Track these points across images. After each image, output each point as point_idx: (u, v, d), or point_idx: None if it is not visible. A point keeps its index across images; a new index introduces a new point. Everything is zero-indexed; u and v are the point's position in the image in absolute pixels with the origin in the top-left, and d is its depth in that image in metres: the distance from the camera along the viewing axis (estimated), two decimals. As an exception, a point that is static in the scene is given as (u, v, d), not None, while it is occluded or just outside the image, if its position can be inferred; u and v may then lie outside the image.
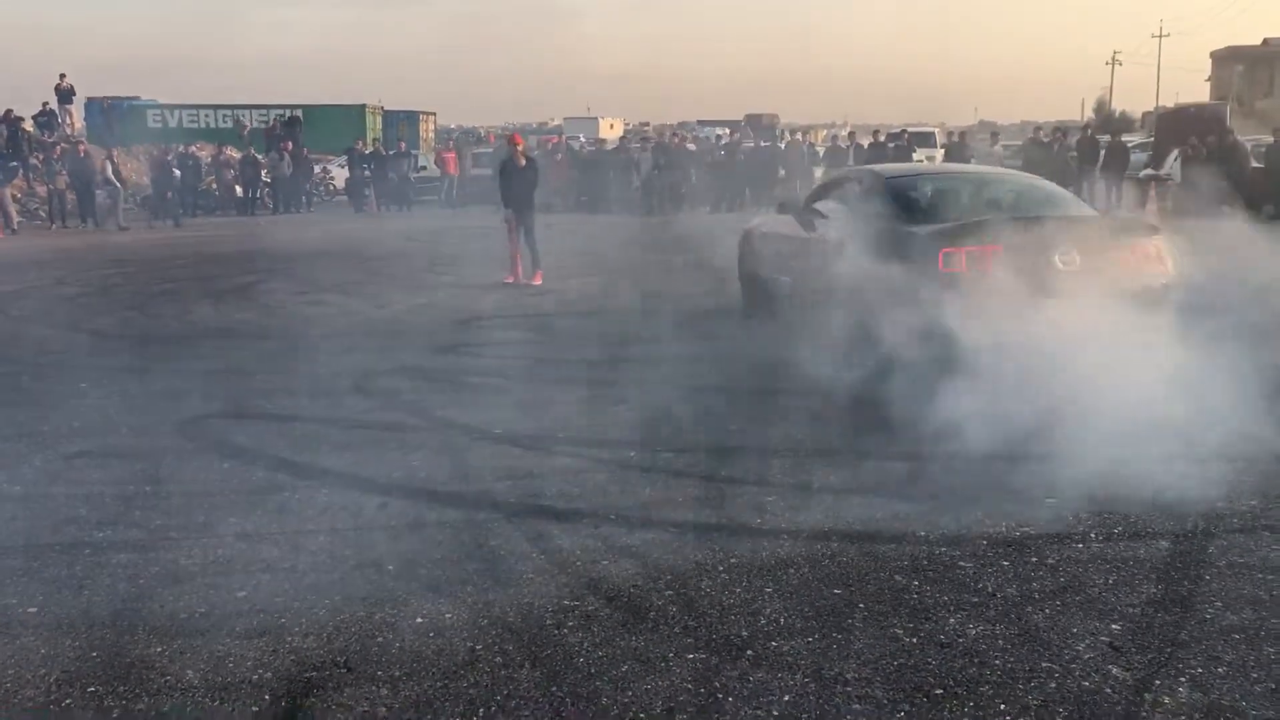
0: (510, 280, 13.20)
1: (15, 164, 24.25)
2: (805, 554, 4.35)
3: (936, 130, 33.94)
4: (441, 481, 5.37)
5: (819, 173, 26.21)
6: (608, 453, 5.84)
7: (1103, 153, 23.09)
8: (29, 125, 29.23)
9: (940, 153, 31.69)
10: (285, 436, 6.26)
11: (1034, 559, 4.28)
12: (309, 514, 4.94)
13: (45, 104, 31.05)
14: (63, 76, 32.25)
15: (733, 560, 4.31)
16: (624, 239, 17.76)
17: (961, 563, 4.25)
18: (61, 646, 3.65)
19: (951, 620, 3.75)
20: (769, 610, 3.85)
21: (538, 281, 13.05)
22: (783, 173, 26.52)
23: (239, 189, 27.69)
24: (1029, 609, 3.83)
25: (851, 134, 29.35)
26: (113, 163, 24.71)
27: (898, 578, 4.11)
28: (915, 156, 26.77)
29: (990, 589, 4.00)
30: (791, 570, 4.20)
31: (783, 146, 28.49)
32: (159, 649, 3.62)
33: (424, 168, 31.42)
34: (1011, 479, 5.10)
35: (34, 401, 7.25)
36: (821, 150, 26.47)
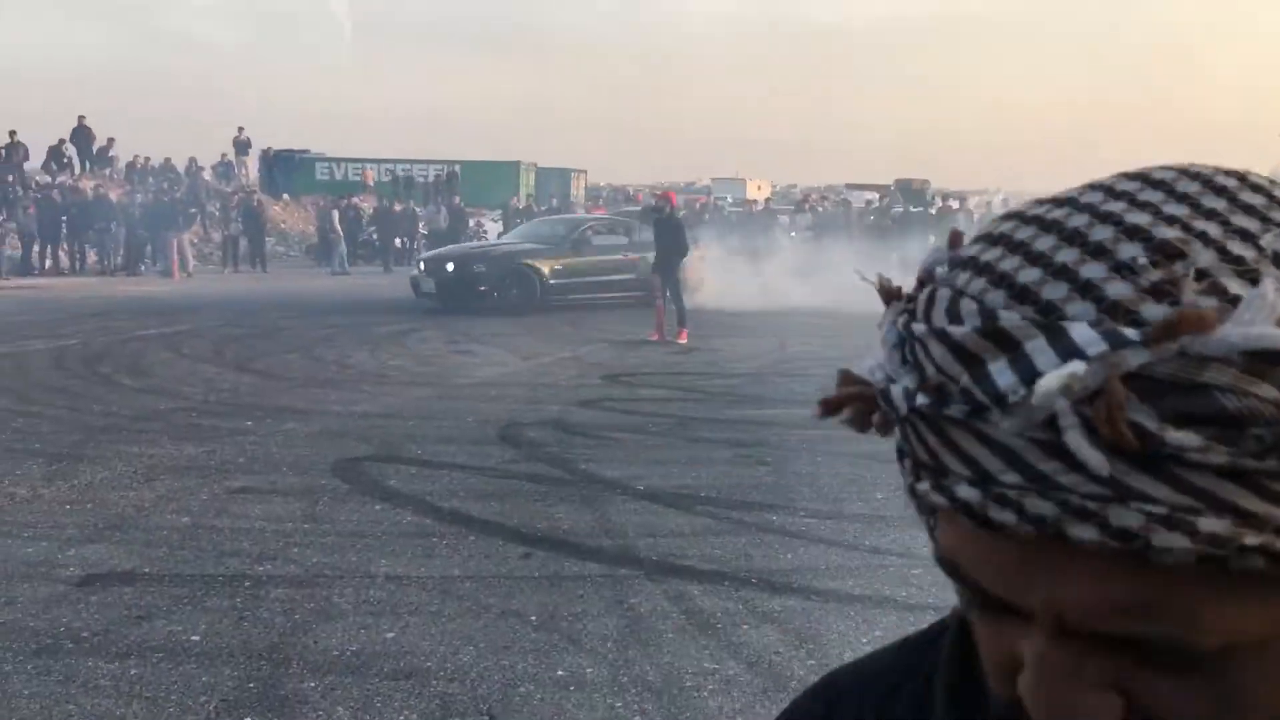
0: (655, 337, 13.33)
1: (194, 211, 25.75)
2: (952, 631, 4.23)
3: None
4: (584, 535, 5.43)
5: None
6: (750, 515, 5.81)
7: None
8: (208, 174, 31.06)
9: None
10: (434, 482, 6.42)
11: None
12: (455, 560, 5.05)
13: (224, 155, 32.96)
14: (241, 129, 34.26)
15: (877, 633, 4.22)
16: (772, 300, 17.74)
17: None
18: (221, 675, 3.80)
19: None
20: (914, 687, 3.75)
21: (683, 340, 13.14)
22: (933, 239, 26.18)
23: (398, 240, 28.78)
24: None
25: (1005, 201, 28.81)
26: (341, 211, 26.17)
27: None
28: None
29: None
30: (938, 647, 4.09)
31: (933, 212, 28.16)
32: (312, 684, 3.74)
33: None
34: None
35: (203, 437, 7.62)
36: (975, 217, 26.03)
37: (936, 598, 4.59)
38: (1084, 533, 0.39)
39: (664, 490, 6.25)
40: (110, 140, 30.67)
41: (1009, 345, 0.41)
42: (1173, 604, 0.40)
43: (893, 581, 4.81)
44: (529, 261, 17.18)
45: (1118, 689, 0.42)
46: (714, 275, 17.70)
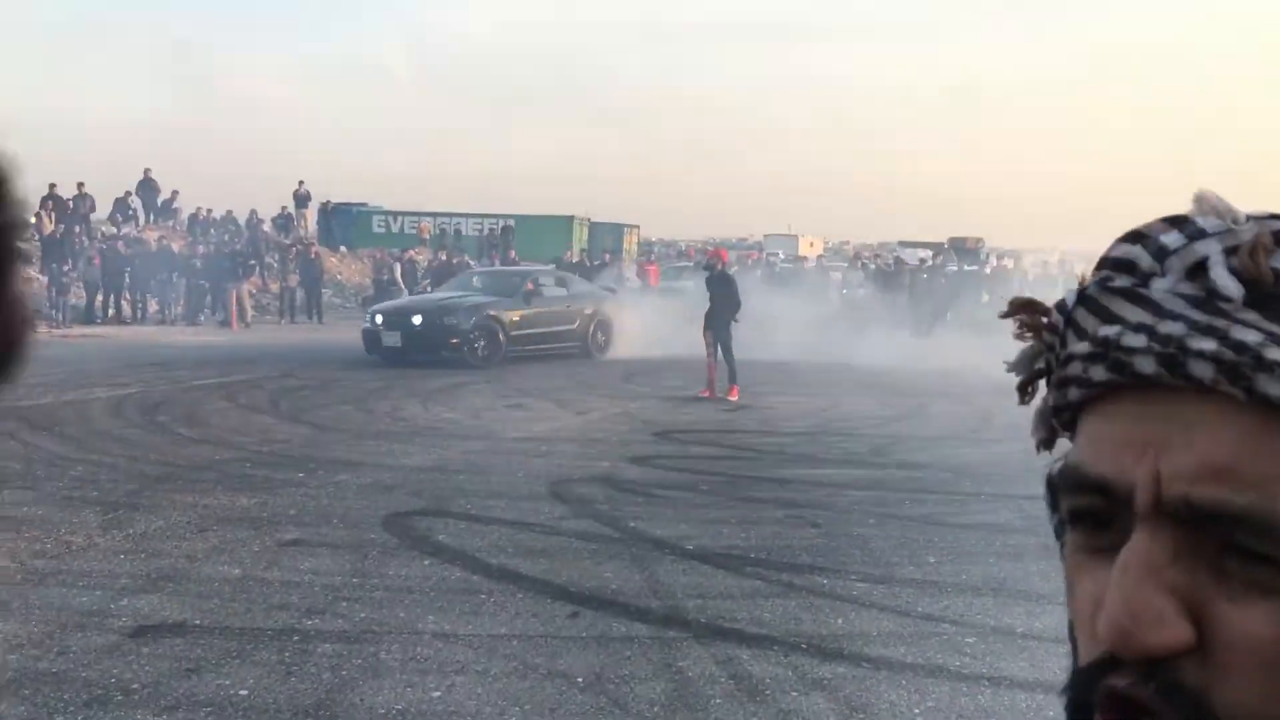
0: (706, 395, 13.30)
1: (253, 262, 26.24)
2: (1007, 705, 4.13)
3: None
4: (633, 595, 5.38)
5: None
6: (800, 578, 5.74)
7: None
8: (268, 226, 31.69)
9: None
10: (483, 537, 6.42)
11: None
12: (503, 618, 5.03)
13: (284, 207, 33.63)
14: (301, 183, 34.94)
15: (929, 704, 4.13)
16: (822, 357, 17.67)
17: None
18: (268, 731, 3.80)
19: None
20: (968, 762, 3.66)
21: (733, 397, 13.10)
22: (986, 298, 26.00)
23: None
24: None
25: (1061, 261, 28.56)
26: (402, 264, 26.62)
27: (1111, 739, 3.84)
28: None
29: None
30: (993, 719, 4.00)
31: (988, 271, 27.98)
32: (357, 742, 3.72)
33: (626, 279, 32.27)
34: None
35: (255, 488, 7.69)
36: (1030, 276, 25.81)
37: (990, 667, 4.50)
38: (1202, 360, 0.44)
39: (714, 550, 6.19)
40: (174, 193, 31.45)
41: (1179, 221, 0.48)
42: (1263, 468, 0.43)
43: (946, 650, 4.71)
44: (493, 313, 16.86)
45: (1192, 612, 0.44)
46: (765, 331, 17.63)
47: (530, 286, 17.77)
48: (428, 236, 36.78)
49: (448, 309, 16.68)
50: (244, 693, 4.12)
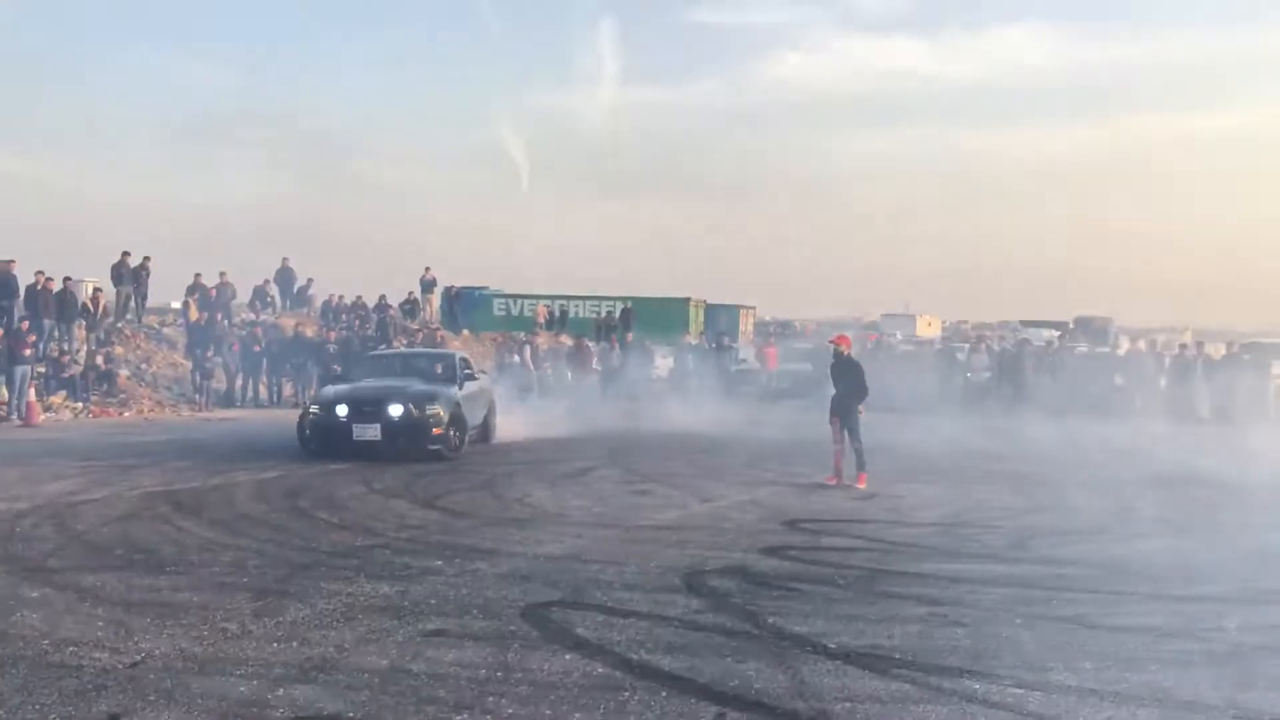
0: (833, 482, 13.14)
1: (383, 346, 26.99)
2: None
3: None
4: (779, 696, 5.29)
5: (1163, 383, 24.68)
6: (949, 681, 5.57)
7: None
8: (395, 312, 32.63)
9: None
10: (622, 631, 6.40)
11: None
12: (649, 716, 4.98)
13: (410, 293, 34.61)
14: (427, 269, 35.96)
15: (1101, 824, 3.94)
16: (952, 444, 17.32)
17: None
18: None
19: None
20: None
21: (861, 485, 12.91)
22: (1120, 381, 25.22)
23: (569, 374, 29.45)
24: None
25: (1200, 344, 27.51)
26: (532, 347, 27.33)
27: None
28: (1276, 369, 24.73)
29: None
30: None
31: (1121, 353, 27.17)
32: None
33: (744, 360, 32.29)
34: None
35: (396, 575, 7.83)
36: (1166, 361, 24.87)
37: (1164, 786, 4.28)
38: None
39: (857, 649, 6.06)
40: (309, 280, 32.71)
41: None
42: None
43: (1113, 765, 4.50)
44: (459, 403, 16.03)
45: None
46: (892, 417, 17.38)
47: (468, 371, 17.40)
48: (544, 319, 37.47)
49: (427, 397, 15.41)
50: (401, 790, 4.16)
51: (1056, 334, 35.82)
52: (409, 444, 14.96)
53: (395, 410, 14.99)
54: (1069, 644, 6.23)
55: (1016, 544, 9.57)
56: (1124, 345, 29.37)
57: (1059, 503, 12.03)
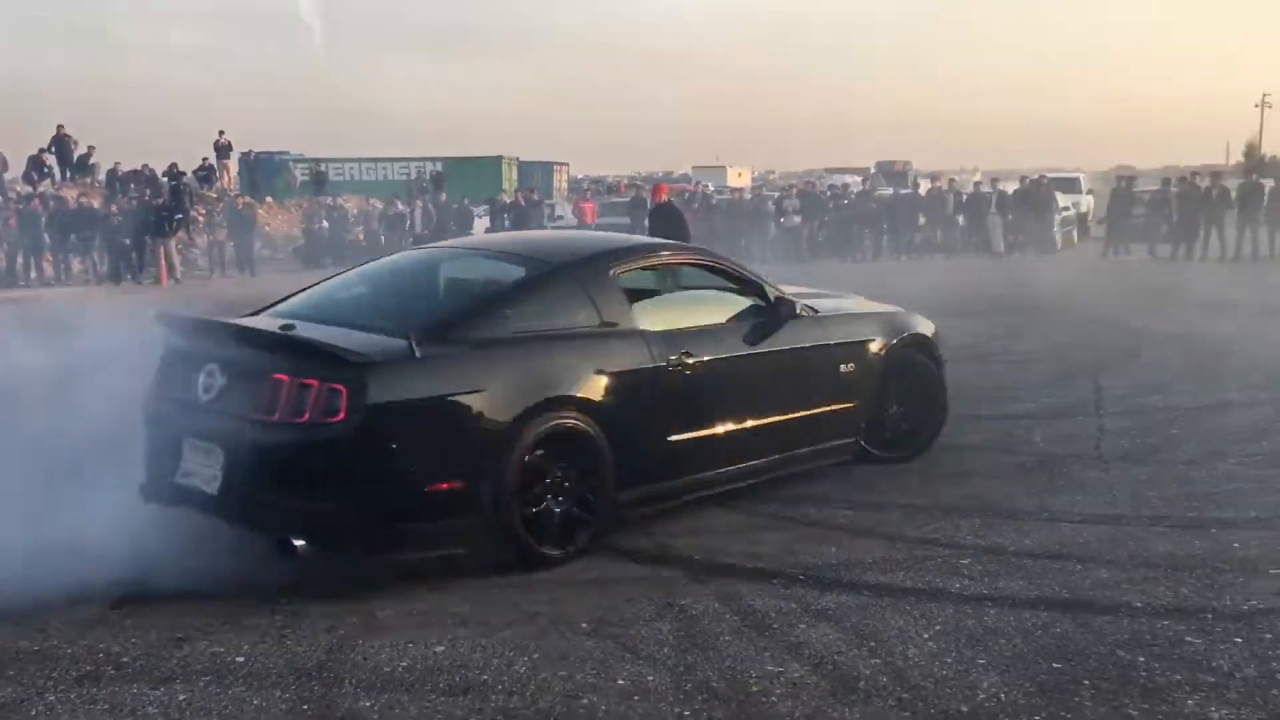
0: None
1: (179, 216, 25.39)
2: (1013, 624, 4.14)
3: (1082, 175, 32.97)
4: (620, 536, 5.31)
5: (960, 219, 25.79)
6: (789, 509, 5.71)
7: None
8: (189, 179, 30.69)
9: (1089, 198, 30.78)
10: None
11: (1269, 635, 3.99)
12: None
13: (205, 159, 32.58)
14: (221, 133, 33.88)
15: (937, 627, 4.13)
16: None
17: (1188, 638, 3.99)
18: None
19: (1190, 702, 3.50)
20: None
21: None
22: (923, 220, 26.16)
23: (382, 238, 28.54)
24: (1275, 692, 3.56)
25: (995, 180, 28.70)
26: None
27: (1120, 653, 3.87)
28: (1060, 203, 26.11)
29: (1226, 668, 3.74)
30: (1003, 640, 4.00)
31: (923, 194, 28.10)
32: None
33: (560, 216, 31.97)
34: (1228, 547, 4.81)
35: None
36: (965, 197, 25.94)
37: (990, 588, 4.51)
38: None
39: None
40: (90, 149, 30.32)
41: None
42: None
43: (943, 573, 4.72)
44: None
45: None
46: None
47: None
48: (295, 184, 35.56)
49: None
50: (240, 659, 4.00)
51: (860, 179, 36.65)
52: None
53: None
54: (896, 466, 6.45)
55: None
56: (924, 186, 30.30)
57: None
